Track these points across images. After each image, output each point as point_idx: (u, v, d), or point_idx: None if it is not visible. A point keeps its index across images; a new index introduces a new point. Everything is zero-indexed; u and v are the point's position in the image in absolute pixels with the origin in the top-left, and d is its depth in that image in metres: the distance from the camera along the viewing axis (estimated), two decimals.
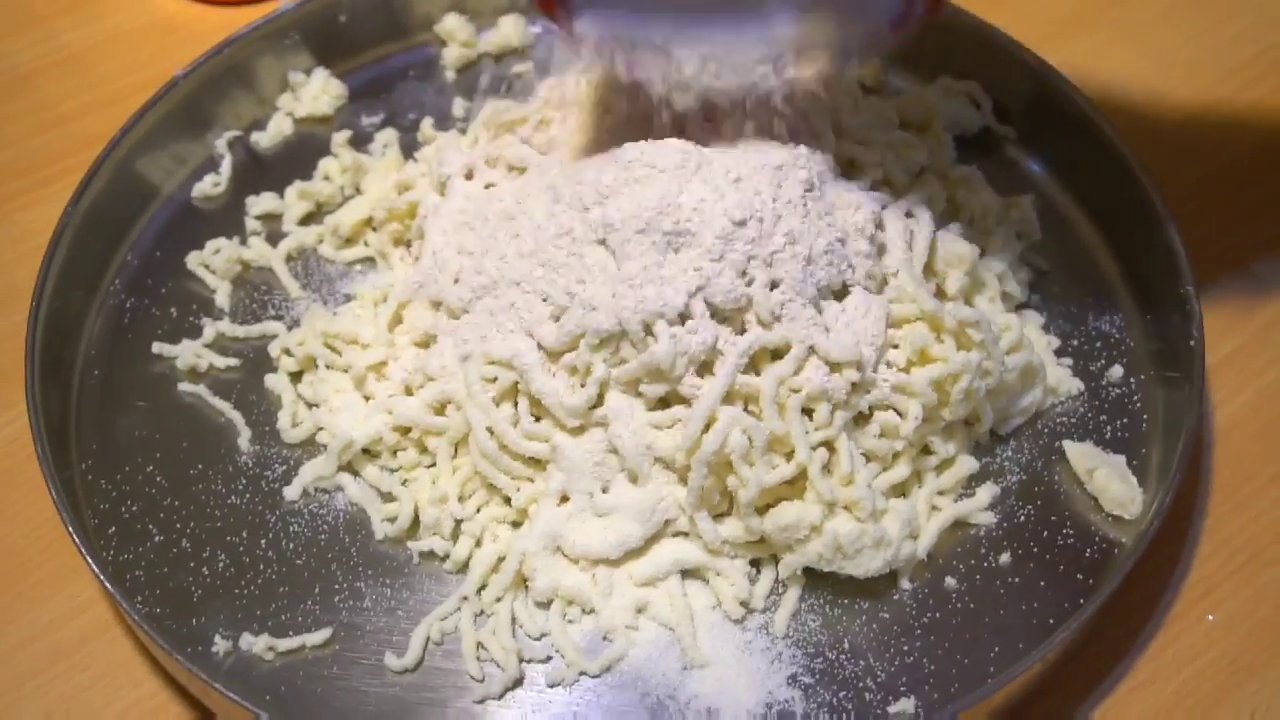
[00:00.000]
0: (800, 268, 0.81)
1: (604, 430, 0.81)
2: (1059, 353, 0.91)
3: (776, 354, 0.81)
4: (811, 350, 0.80)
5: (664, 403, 0.81)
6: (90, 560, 0.77)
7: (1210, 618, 0.83)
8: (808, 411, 0.81)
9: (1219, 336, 0.93)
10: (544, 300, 0.82)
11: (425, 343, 0.87)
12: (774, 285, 0.81)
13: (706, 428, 0.79)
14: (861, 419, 0.83)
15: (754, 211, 0.80)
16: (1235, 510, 0.87)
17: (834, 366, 0.81)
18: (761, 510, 0.80)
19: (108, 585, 0.77)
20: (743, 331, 0.80)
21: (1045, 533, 0.83)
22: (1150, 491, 0.84)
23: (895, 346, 0.83)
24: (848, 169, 0.89)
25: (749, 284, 0.80)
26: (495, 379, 0.82)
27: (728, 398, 0.80)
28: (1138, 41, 1.12)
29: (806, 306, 0.81)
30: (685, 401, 0.81)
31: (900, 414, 0.82)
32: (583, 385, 0.81)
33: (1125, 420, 0.88)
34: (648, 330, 0.80)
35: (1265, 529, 0.86)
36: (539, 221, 0.84)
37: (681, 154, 0.82)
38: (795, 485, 0.80)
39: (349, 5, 1.07)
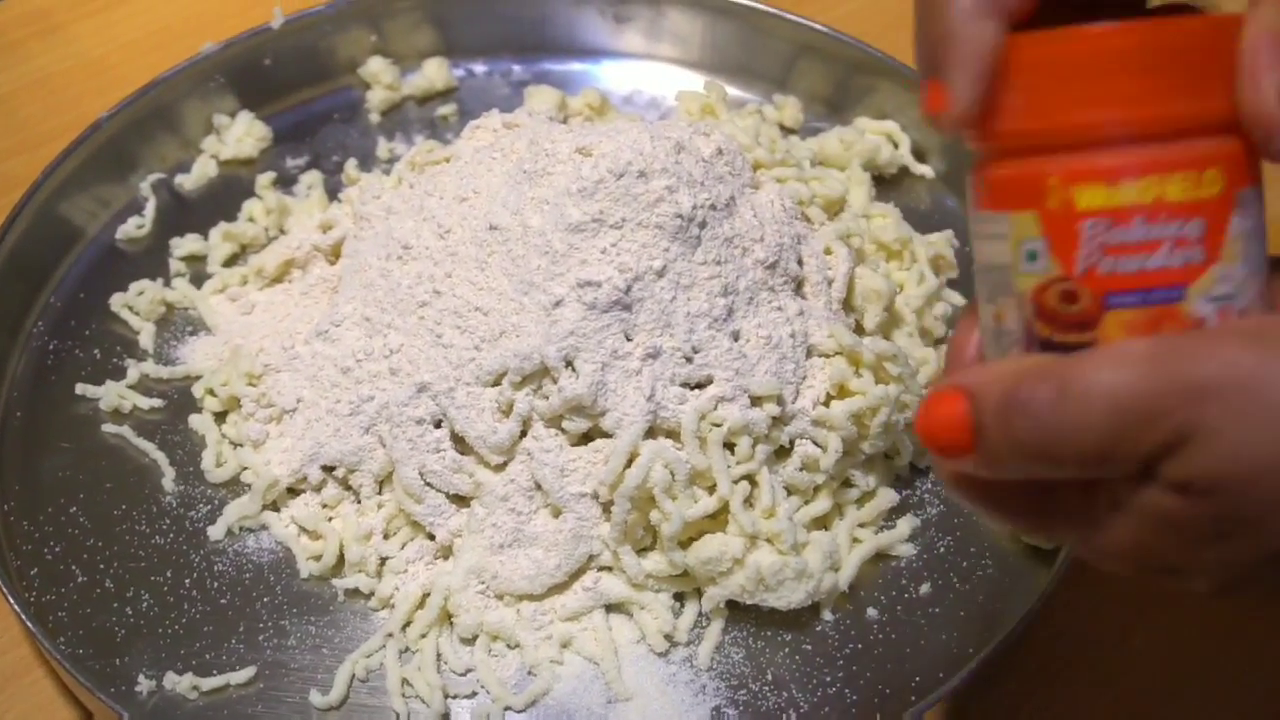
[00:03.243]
0: (719, 300, 0.82)
1: (527, 464, 0.82)
2: None
3: (697, 385, 0.82)
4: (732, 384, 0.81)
5: (587, 437, 0.82)
6: (12, 601, 0.77)
7: (1132, 644, 0.84)
8: (729, 445, 0.81)
9: None
10: (463, 333, 0.83)
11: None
12: (692, 316, 0.82)
13: (629, 462, 0.80)
14: (782, 452, 0.84)
15: (674, 241, 0.81)
16: None
17: (755, 400, 0.82)
18: (684, 544, 0.81)
19: (30, 625, 0.76)
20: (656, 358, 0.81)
21: (964, 563, 0.85)
22: None
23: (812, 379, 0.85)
24: (764, 202, 0.90)
25: (668, 318, 0.81)
26: (420, 417, 0.83)
27: (649, 432, 0.81)
28: None
29: (725, 339, 0.82)
30: (608, 435, 0.81)
31: (821, 447, 0.83)
32: (506, 418, 0.82)
33: None
34: (569, 365, 0.80)
35: None
36: (457, 250, 0.85)
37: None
38: (718, 519, 0.81)
39: (274, 48, 1.08)
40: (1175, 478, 0.46)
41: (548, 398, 0.81)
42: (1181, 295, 0.49)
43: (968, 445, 0.49)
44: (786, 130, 1.06)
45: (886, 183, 1.04)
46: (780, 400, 0.82)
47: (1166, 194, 0.48)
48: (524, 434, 0.82)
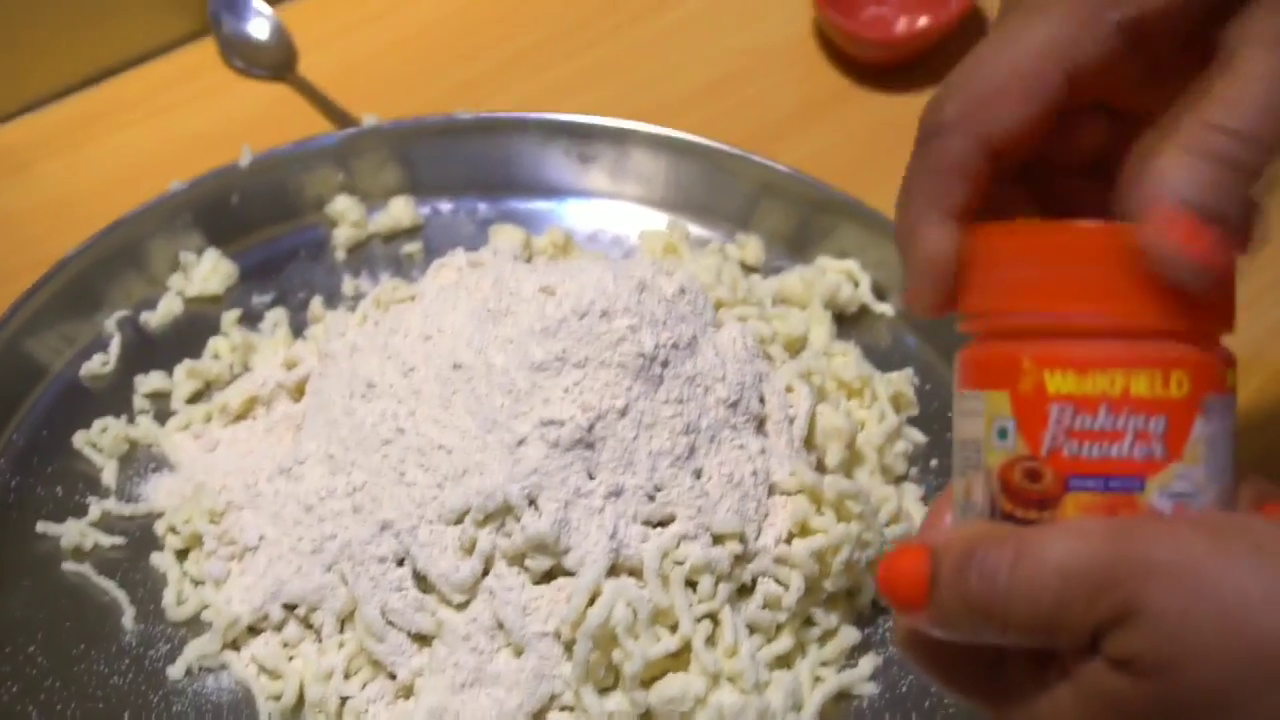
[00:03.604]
0: (681, 439, 0.83)
1: (489, 602, 0.82)
2: None
3: (659, 523, 0.82)
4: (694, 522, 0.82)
5: (550, 575, 0.82)
6: None
7: None
8: (691, 583, 0.82)
9: None
10: (427, 470, 0.83)
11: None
12: (655, 455, 0.82)
13: (591, 600, 0.80)
14: (744, 590, 0.84)
15: (636, 379, 0.82)
16: None
17: (717, 538, 0.82)
18: (647, 683, 0.80)
19: None
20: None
21: (927, 703, 0.85)
22: None
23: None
24: (725, 341, 0.91)
25: (630, 457, 0.81)
26: (383, 555, 0.83)
27: (612, 570, 0.81)
28: None
29: (688, 477, 0.83)
30: (571, 574, 0.81)
31: (783, 585, 0.83)
32: (469, 556, 0.82)
33: None
34: (532, 503, 0.81)
35: None
36: (421, 388, 0.86)
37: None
38: (680, 658, 0.81)
39: (241, 186, 1.09)
40: (1119, 653, 0.48)
41: (510, 535, 0.81)
42: (1140, 487, 0.51)
43: (923, 599, 0.51)
44: (749, 269, 1.07)
45: (847, 320, 1.05)
46: (743, 538, 0.82)
47: (1132, 389, 0.50)
48: (486, 572, 0.82)
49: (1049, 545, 0.48)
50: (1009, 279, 0.53)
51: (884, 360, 1.01)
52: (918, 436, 0.97)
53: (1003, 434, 0.52)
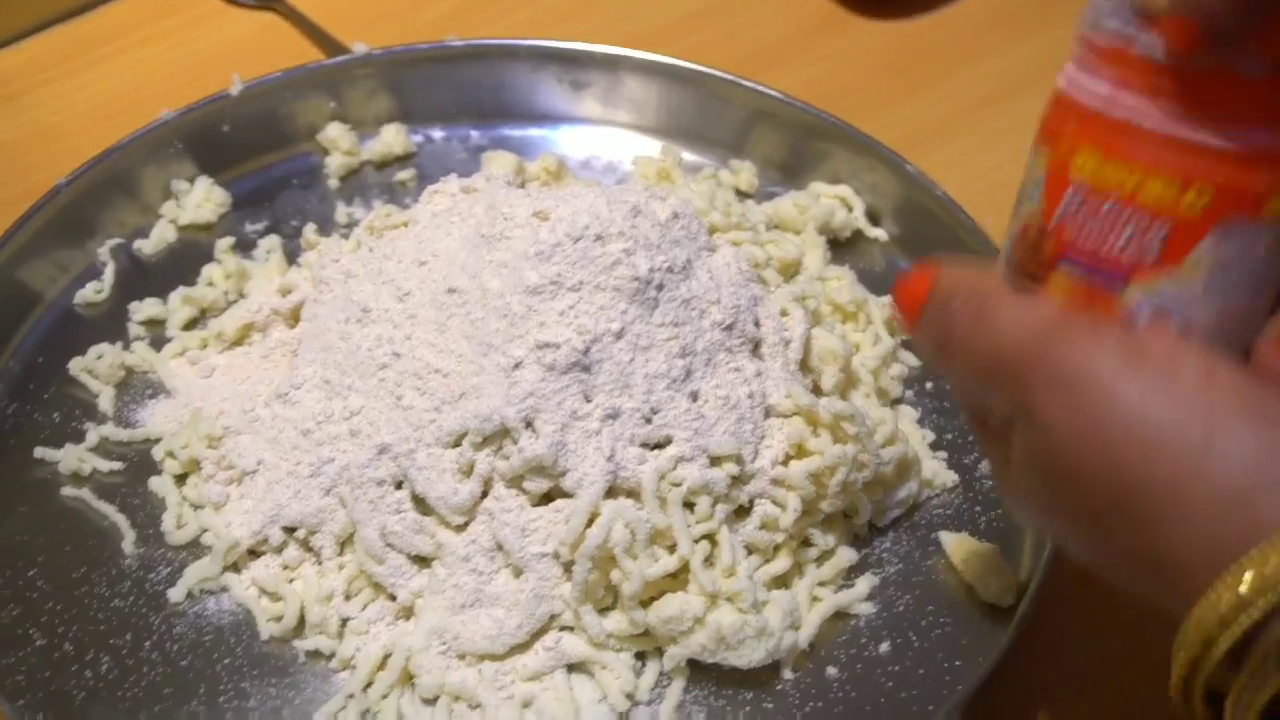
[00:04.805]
0: (677, 361, 0.83)
1: (488, 524, 0.82)
2: (934, 446, 0.93)
3: (656, 445, 0.83)
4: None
5: (548, 497, 0.83)
6: None
7: (1089, 696, 0.84)
8: (688, 504, 0.82)
9: None
10: (423, 394, 0.83)
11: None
12: (651, 377, 0.82)
13: (590, 522, 0.80)
14: (742, 512, 0.84)
15: (631, 303, 0.82)
16: (1105, 598, 0.88)
17: (714, 460, 0.82)
18: (645, 603, 0.81)
19: None
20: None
21: (923, 622, 0.85)
22: (1023, 579, 0.86)
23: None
24: (720, 265, 0.91)
25: (627, 379, 0.82)
26: (381, 478, 0.83)
27: (610, 492, 0.81)
28: (1001, 146, 1.15)
29: (684, 399, 0.83)
30: (569, 495, 0.82)
31: (780, 506, 0.84)
32: (467, 478, 0.82)
33: (998, 511, 0.90)
34: (529, 425, 0.81)
35: (1132, 621, 0.87)
36: (416, 313, 0.86)
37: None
38: (678, 578, 0.81)
39: (232, 114, 1.08)
40: (1019, 440, 0.53)
41: (508, 458, 0.82)
42: (1123, 285, 0.51)
43: (915, 318, 0.57)
44: (742, 195, 1.07)
45: (841, 245, 1.05)
46: (739, 460, 0.83)
47: (1145, 189, 0.50)
48: (485, 495, 0.83)
49: (999, 318, 0.52)
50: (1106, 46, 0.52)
51: (878, 284, 1.01)
52: (912, 360, 0.98)
53: (1033, 193, 0.54)
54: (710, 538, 0.82)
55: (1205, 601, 0.47)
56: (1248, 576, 0.45)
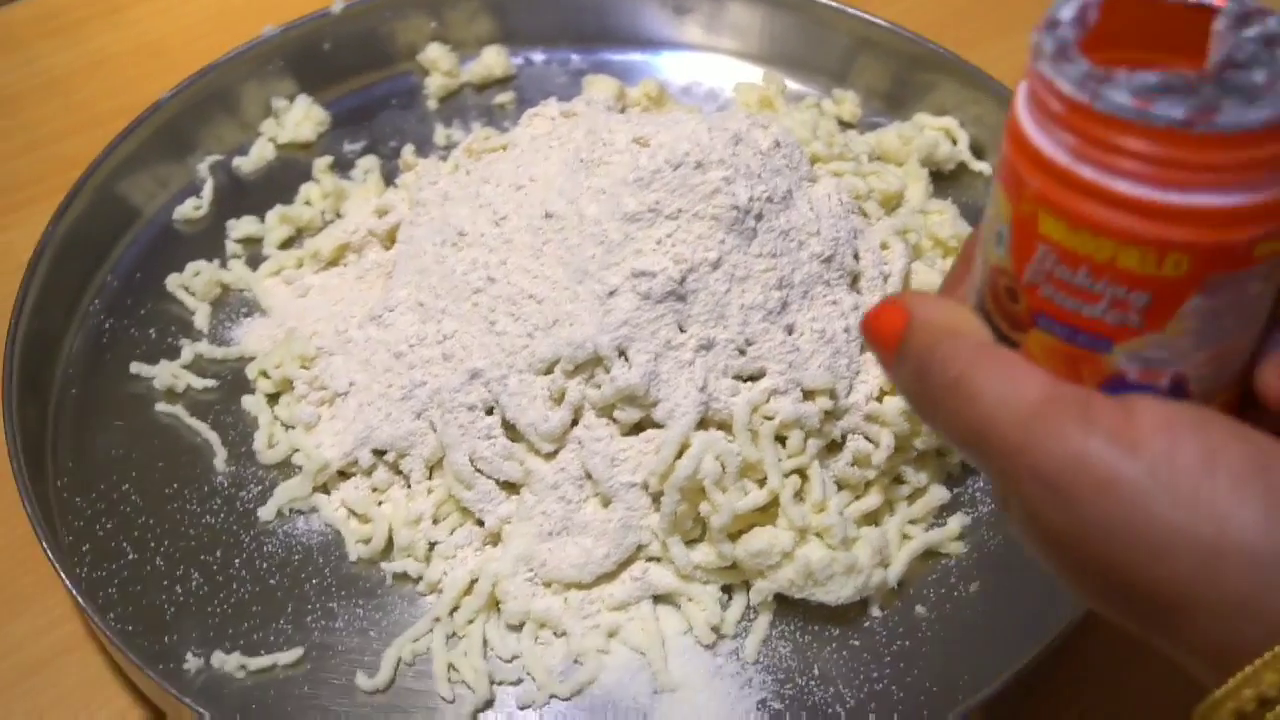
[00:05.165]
0: (774, 293, 0.82)
1: (578, 453, 0.82)
2: None
3: (750, 378, 0.82)
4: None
5: (639, 427, 0.82)
6: (64, 576, 0.77)
7: None
8: (780, 438, 0.81)
9: None
10: (517, 320, 0.83)
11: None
12: (746, 309, 0.81)
13: (680, 453, 0.79)
14: (834, 447, 0.83)
15: (729, 232, 0.81)
16: None
17: (807, 394, 0.81)
18: (734, 536, 0.80)
19: (80, 601, 0.77)
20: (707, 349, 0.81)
21: (1014, 562, 0.84)
22: None
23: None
24: (821, 196, 0.89)
25: (722, 310, 0.81)
26: (472, 403, 0.83)
27: (701, 423, 0.80)
28: None
29: (779, 332, 0.82)
30: (660, 426, 0.81)
31: (873, 442, 0.83)
32: (558, 406, 0.82)
33: None
34: (622, 354, 0.80)
35: None
36: (512, 237, 0.85)
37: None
38: (767, 512, 0.81)
39: (333, 33, 1.08)
40: (1015, 515, 0.49)
41: (600, 387, 0.81)
42: (1108, 348, 0.47)
43: (890, 358, 0.52)
44: (844, 125, 1.06)
45: (944, 179, 1.03)
46: (833, 394, 0.82)
47: (1120, 260, 0.45)
48: (575, 423, 0.82)
49: (982, 394, 0.48)
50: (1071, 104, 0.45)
51: (979, 217, 0.99)
52: None
53: (999, 240, 0.49)
54: (801, 472, 0.81)
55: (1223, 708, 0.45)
56: (1268, 679, 0.44)
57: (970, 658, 0.80)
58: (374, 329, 0.88)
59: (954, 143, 1.04)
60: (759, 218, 0.82)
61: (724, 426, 0.81)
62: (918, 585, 0.83)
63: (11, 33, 1.17)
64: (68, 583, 0.77)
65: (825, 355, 0.82)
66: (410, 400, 0.85)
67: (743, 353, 0.81)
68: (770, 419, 0.80)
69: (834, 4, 1.08)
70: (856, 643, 0.81)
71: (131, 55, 1.14)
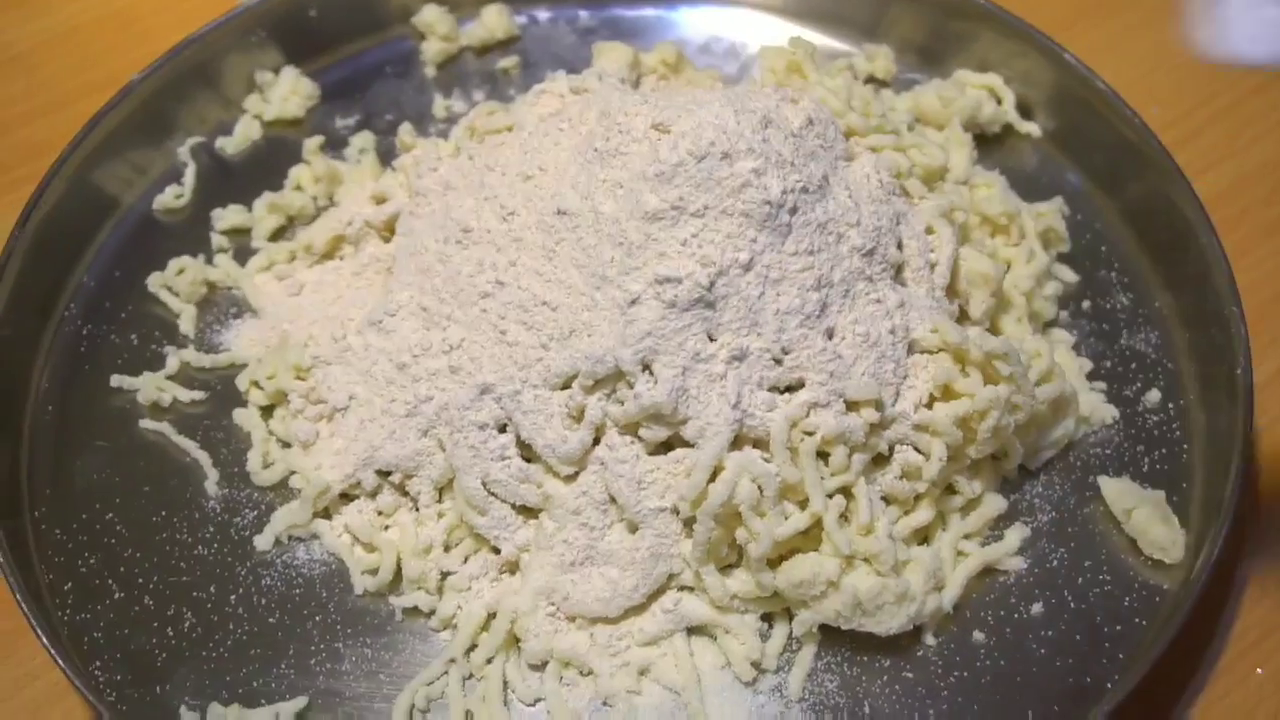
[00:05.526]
0: (812, 294, 0.74)
1: (600, 474, 0.75)
2: (1091, 376, 0.85)
3: (787, 389, 0.75)
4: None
5: (666, 446, 0.75)
6: (43, 626, 0.72)
7: (1259, 670, 0.76)
8: (822, 454, 0.74)
9: (1264, 349, 0.87)
10: (530, 329, 0.76)
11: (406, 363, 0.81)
12: (782, 313, 0.74)
13: (713, 476, 0.72)
14: (880, 459, 0.76)
15: (761, 230, 0.74)
16: None
17: (851, 405, 0.74)
18: (774, 563, 0.74)
19: (62, 656, 0.71)
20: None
21: (1080, 579, 0.77)
22: (1193, 531, 0.77)
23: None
24: (859, 179, 0.82)
25: (755, 316, 0.73)
26: (483, 421, 0.76)
27: (735, 441, 0.73)
28: (1164, 23, 1.05)
29: (819, 337, 0.74)
30: (689, 444, 0.74)
31: (923, 454, 0.76)
32: (577, 424, 0.75)
33: (1164, 450, 0.82)
34: (647, 368, 0.73)
35: None
36: (522, 235, 0.78)
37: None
38: (810, 534, 0.74)
39: None
40: None
41: (623, 403, 0.74)
42: None
43: None
44: (878, 83, 0.98)
45: (989, 141, 0.96)
46: (879, 404, 0.75)
47: None
48: (596, 442, 0.75)
49: None
50: None
51: (1030, 186, 0.92)
52: (1068, 275, 0.89)
53: None
54: (845, 491, 0.74)
55: None
56: None
57: (1035, 689, 0.74)
58: (374, 336, 0.81)
59: (999, 102, 0.96)
60: (793, 211, 0.75)
61: (760, 444, 0.74)
62: (974, 608, 0.77)
63: None
64: (45, 641, 0.71)
65: (869, 361, 0.75)
66: (416, 416, 0.78)
67: (779, 362, 0.74)
68: (811, 434, 0.74)
69: None
70: (910, 675, 0.74)
71: (99, 25, 1.06)
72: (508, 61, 1.02)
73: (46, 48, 1.06)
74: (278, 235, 0.92)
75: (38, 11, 1.08)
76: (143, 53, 0.95)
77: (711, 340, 0.74)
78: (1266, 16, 1.04)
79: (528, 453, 0.77)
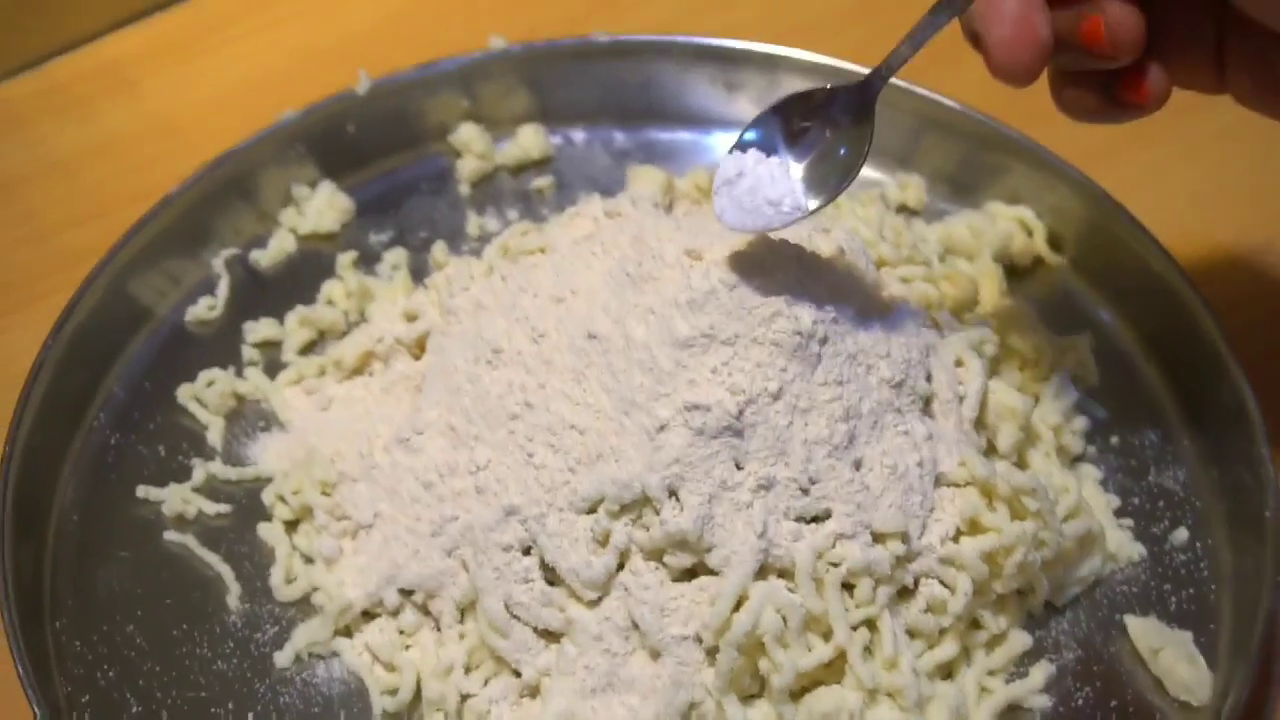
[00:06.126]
0: (840, 425, 0.74)
1: (624, 600, 0.74)
2: (1119, 513, 0.84)
3: (813, 519, 0.74)
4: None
5: (691, 573, 0.75)
6: None
7: None
8: (847, 586, 0.74)
9: None
10: (557, 452, 0.76)
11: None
12: (810, 443, 0.74)
13: (737, 605, 0.72)
14: (905, 592, 0.76)
15: (791, 360, 0.74)
16: None
17: (877, 537, 0.74)
18: (796, 695, 0.73)
19: None
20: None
21: (1107, 718, 0.76)
22: (1220, 673, 0.77)
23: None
24: (889, 310, 0.82)
25: (783, 445, 0.73)
26: (508, 543, 0.76)
27: (760, 571, 0.73)
28: (1197, 160, 1.05)
29: (846, 468, 0.74)
30: (713, 572, 0.74)
31: (949, 588, 0.75)
32: (602, 549, 0.75)
33: (1191, 590, 0.81)
34: (673, 495, 0.73)
35: None
36: (552, 358, 0.78)
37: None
38: (833, 667, 0.73)
39: (358, 114, 1.01)
40: None
41: (648, 529, 0.74)
42: None
43: None
44: (910, 212, 0.98)
45: (1018, 273, 0.96)
46: (905, 537, 0.74)
47: None
48: (621, 567, 0.75)
49: None
50: None
51: (1057, 318, 0.92)
52: (1097, 410, 0.88)
53: None
54: (870, 624, 0.74)
55: None
56: None
57: None
58: (401, 454, 0.81)
59: (1029, 234, 0.96)
60: (824, 341, 0.75)
61: (785, 574, 0.74)
62: None
63: (13, 110, 1.10)
64: None
65: (897, 493, 0.75)
66: (440, 536, 0.78)
67: (806, 492, 0.74)
68: (836, 565, 0.73)
69: (896, 81, 1.00)
70: None
71: (142, 135, 1.07)
72: (542, 181, 1.02)
73: (90, 156, 1.07)
74: (308, 349, 0.92)
75: (81, 118, 1.09)
76: (184, 162, 0.95)
77: (739, 469, 0.74)
78: None
79: (551, 576, 0.76)
